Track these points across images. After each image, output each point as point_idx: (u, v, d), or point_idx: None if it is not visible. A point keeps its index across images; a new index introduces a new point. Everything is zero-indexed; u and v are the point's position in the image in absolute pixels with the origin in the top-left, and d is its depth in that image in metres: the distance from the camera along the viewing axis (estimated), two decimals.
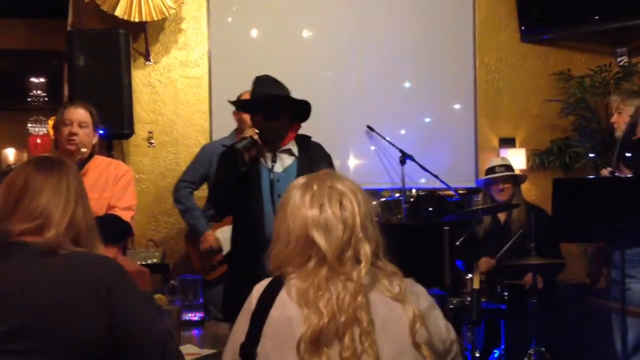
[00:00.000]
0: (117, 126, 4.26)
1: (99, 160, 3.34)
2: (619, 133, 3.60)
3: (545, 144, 5.18)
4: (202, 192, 4.39)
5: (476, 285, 3.23)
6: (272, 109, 2.92)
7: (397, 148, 4.73)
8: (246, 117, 3.97)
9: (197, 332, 2.49)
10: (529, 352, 3.49)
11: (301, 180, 1.62)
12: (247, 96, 3.49)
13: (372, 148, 5.03)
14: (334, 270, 1.49)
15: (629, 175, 3.43)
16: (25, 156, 9.29)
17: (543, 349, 3.50)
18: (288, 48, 4.98)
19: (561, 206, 3.10)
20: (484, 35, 5.23)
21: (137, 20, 4.52)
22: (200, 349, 2.15)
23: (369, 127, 4.92)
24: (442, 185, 4.64)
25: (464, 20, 5.20)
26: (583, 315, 4.16)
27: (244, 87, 3.13)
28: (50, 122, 8.05)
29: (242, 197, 2.91)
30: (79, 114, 3.23)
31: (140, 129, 4.79)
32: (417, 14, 5.18)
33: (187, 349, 2.17)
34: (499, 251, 3.90)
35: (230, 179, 2.88)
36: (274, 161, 2.92)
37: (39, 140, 8.53)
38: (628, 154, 3.44)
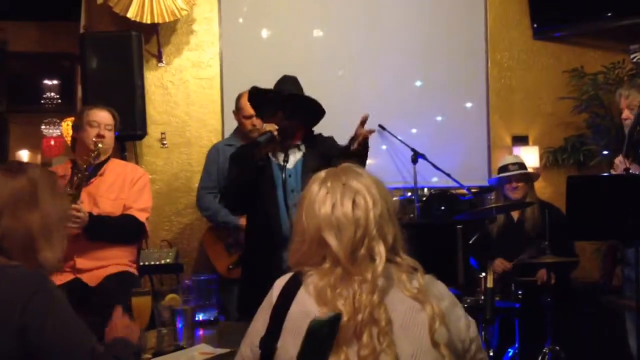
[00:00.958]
0: (130, 127, 4.28)
1: (116, 163, 3.45)
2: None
3: (558, 141, 5.15)
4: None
5: (490, 284, 3.23)
6: (295, 108, 2.98)
7: (409, 147, 4.72)
8: (248, 113, 4.01)
9: (211, 331, 2.49)
10: (544, 350, 3.48)
11: (322, 174, 1.62)
12: (244, 98, 3.55)
13: (384, 147, 5.02)
14: (348, 270, 1.49)
15: None
16: (38, 158, 9.36)
17: (557, 348, 3.49)
18: (299, 48, 4.99)
19: (575, 204, 3.08)
20: (496, 33, 5.20)
21: (149, 22, 4.54)
22: (215, 349, 2.16)
23: (380, 126, 4.91)
24: (455, 184, 4.62)
25: (476, 18, 5.18)
26: (597, 313, 4.14)
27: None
28: (64, 124, 8.12)
29: (256, 193, 2.94)
30: (106, 117, 3.35)
31: (153, 130, 4.81)
32: (428, 12, 5.16)
33: (201, 348, 2.18)
34: (513, 249, 3.89)
35: (247, 174, 2.91)
36: (286, 158, 2.96)
37: (52, 142, 8.60)
38: None
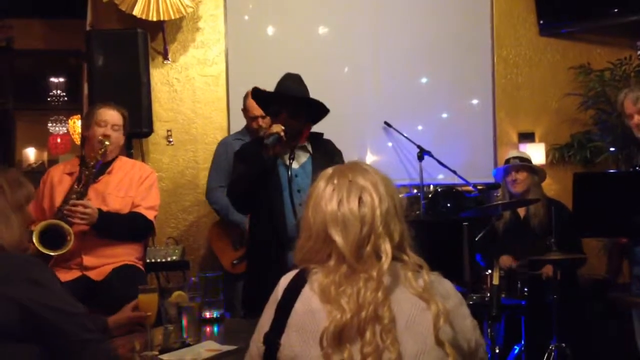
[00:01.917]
0: (136, 125, 4.28)
1: (124, 161, 3.46)
2: None
3: (565, 138, 5.13)
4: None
5: (496, 281, 3.22)
6: (300, 108, 2.97)
7: (415, 144, 4.71)
8: (253, 114, 4.02)
9: (217, 328, 2.50)
10: (550, 348, 3.47)
11: (329, 171, 1.62)
12: (250, 99, 3.56)
13: (390, 144, 5.02)
14: (353, 267, 1.49)
15: None
16: (45, 155, 9.41)
17: (563, 345, 3.48)
18: (304, 45, 4.99)
19: (582, 201, 3.08)
20: (502, 30, 5.19)
21: (155, 19, 4.55)
22: (221, 346, 2.16)
23: (386, 123, 4.91)
24: (461, 181, 4.61)
25: (482, 15, 5.17)
26: (604, 310, 4.13)
27: (261, 84, 3.15)
28: (71, 121, 8.16)
29: (262, 192, 2.94)
30: (114, 116, 3.35)
31: (159, 128, 4.82)
32: (434, 9, 5.15)
33: (208, 345, 2.18)
34: (519, 246, 3.88)
35: (254, 173, 2.91)
36: (292, 158, 2.95)
37: (59, 140, 8.65)
38: None
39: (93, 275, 3.19)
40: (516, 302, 3.55)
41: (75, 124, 7.84)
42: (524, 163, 4.15)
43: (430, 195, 4.51)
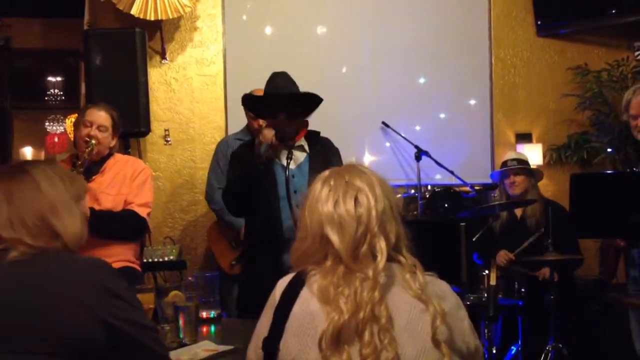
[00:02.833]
0: (133, 124, 4.28)
1: (118, 158, 3.41)
2: None
3: (562, 139, 5.14)
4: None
5: (493, 281, 3.22)
6: (297, 108, 2.96)
7: (413, 144, 4.72)
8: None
9: (214, 328, 2.50)
10: (547, 348, 3.48)
11: (325, 172, 1.62)
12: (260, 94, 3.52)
13: (387, 144, 5.02)
14: (350, 267, 1.49)
15: None
16: (42, 155, 9.39)
17: (560, 346, 3.49)
18: (302, 45, 4.99)
19: (579, 202, 3.08)
20: (499, 30, 5.20)
21: (152, 18, 4.55)
22: (218, 346, 2.16)
23: (384, 123, 4.92)
24: (458, 181, 4.62)
25: (480, 15, 5.17)
26: (601, 311, 4.13)
27: (259, 84, 3.15)
28: (68, 120, 8.14)
29: (258, 194, 2.93)
30: (100, 117, 3.28)
31: (157, 127, 4.82)
32: (432, 9, 5.16)
33: (205, 345, 2.18)
34: (516, 246, 3.89)
35: (248, 176, 2.90)
36: (289, 158, 2.93)
37: (56, 139, 8.62)
38: None
39: None
40: (513, 303, 3.56)
41: (73, 123, 7.83)
42: (522, 166, 4.15)
43: (427, 196, 4.52)
